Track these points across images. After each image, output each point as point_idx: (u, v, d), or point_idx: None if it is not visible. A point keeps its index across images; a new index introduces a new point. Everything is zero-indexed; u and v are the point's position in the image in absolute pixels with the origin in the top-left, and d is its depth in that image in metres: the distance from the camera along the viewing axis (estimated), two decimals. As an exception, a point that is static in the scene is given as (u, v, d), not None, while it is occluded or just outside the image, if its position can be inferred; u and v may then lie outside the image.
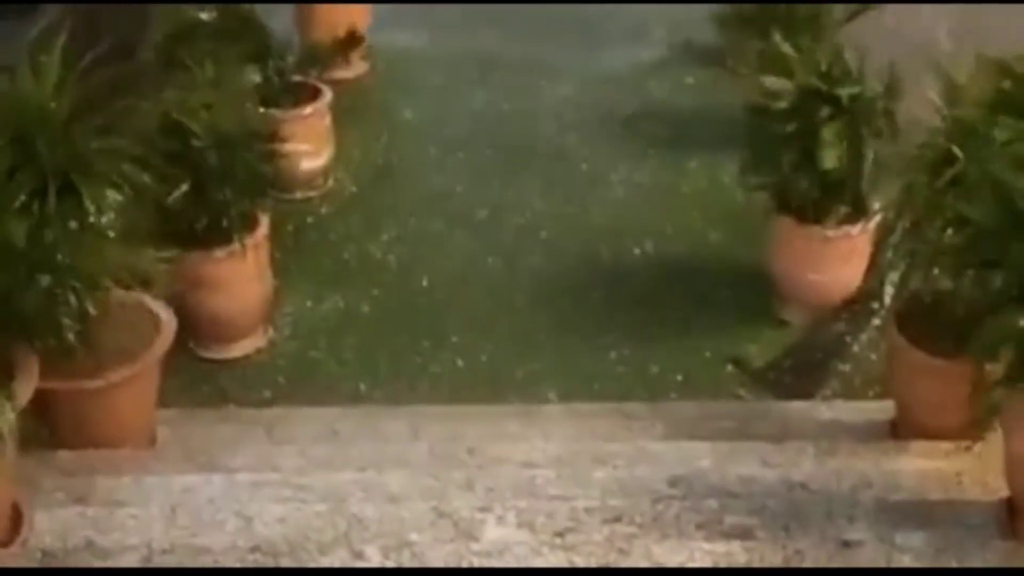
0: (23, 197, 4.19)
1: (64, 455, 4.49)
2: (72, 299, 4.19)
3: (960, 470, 4.38)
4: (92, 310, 4.28)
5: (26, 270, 4.14)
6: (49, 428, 4.49)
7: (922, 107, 4.81)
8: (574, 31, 8.93)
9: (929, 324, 4.58)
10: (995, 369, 3.93)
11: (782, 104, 5.40)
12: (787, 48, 5.56)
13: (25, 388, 4.05)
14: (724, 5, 7.35)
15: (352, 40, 7.36)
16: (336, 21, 7.75)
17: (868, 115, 5.38)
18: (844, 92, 5.36)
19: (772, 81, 5.49)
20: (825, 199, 5.49)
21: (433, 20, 9.04)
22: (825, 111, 5.35)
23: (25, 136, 4.29)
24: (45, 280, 4.14)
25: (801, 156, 5.39)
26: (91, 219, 4.25)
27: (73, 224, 4.26)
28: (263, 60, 6.41)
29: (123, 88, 4.68)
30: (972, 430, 4.37)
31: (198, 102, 5.29)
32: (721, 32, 7.91)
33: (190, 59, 5.74)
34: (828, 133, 5.33)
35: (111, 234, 4.31)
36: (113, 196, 4.38)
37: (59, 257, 4.16)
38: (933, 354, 4.53)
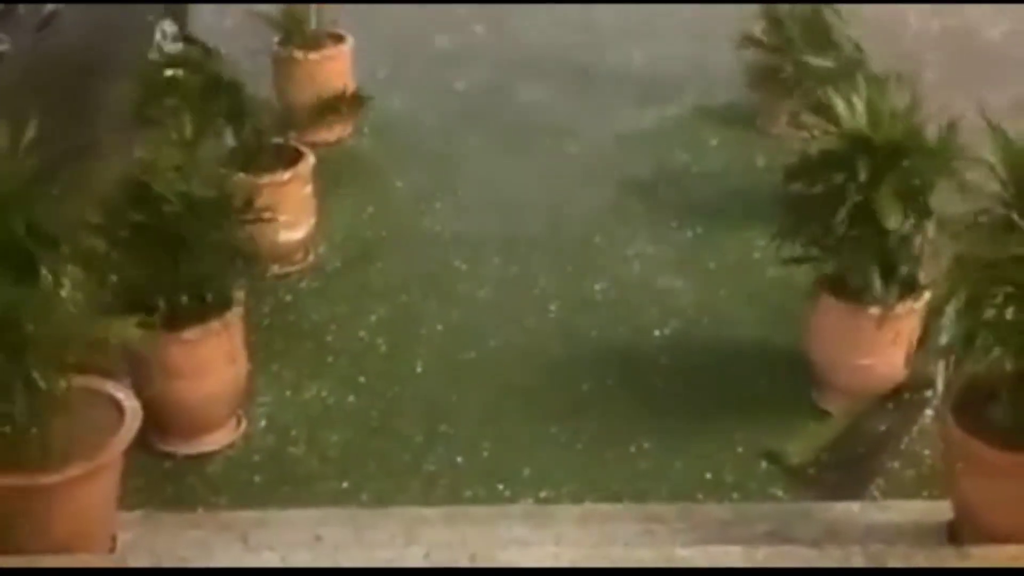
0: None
1: (12, 561, 4.47)
2: (36, 377, 4.20)
3: (1029, 578, 4.41)
4: (50, 391, 4.29)
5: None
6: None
7: (977, 168, 4.92)
8: (586, 87, 9.09)
9: (990, 413, 4.62)
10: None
11: (826, 157, 5.46)
12: (835, 97, 5.58)
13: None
14: (754, 63, 7.53)
15: (347, 100, 7.50)
16: (318, 79, 7.95)
17: (927, 169, 5.41)
18: (899, 142, 5.40)
19: (816, 130, 5.56)
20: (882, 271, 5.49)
21: (424, 78, 9.21)
22: (872, 164, 5.37)
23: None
24: (-1, 357, 4.18)
25: (852, 220, 5.41)
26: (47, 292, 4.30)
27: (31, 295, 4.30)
28: (238, 120, 6.55)
29: (88, 149, 4.73)
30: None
31: (167, 163, 5.38)
32: (750, 90, 8.12)
33: (161, 118, 5.85)
34: (886, 187, 5.34)
35: (72, 308, 4.36)
36: (73, 270, 4.44)
37: (22, 328, 4.16)
38: (996, 446, 4.54)
